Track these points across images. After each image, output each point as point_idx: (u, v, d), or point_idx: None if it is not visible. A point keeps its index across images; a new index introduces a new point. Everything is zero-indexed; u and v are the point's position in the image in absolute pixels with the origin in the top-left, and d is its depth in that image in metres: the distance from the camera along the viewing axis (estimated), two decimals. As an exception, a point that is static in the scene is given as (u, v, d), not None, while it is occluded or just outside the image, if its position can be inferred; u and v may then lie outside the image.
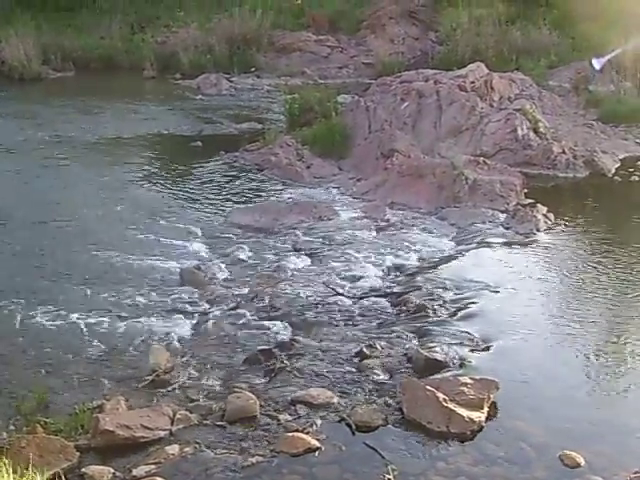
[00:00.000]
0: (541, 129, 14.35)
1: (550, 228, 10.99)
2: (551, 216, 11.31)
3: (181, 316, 8.31)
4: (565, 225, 11.20)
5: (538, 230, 10.82)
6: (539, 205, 11.63)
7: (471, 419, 6.23)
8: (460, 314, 8.28)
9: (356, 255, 9.95)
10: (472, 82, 15.23)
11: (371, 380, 6.98)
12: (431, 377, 6.90)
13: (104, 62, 24.89)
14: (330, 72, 24.49)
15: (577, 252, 10.43)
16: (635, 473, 5.52)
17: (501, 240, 10.51)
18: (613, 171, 13.84)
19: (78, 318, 8.18)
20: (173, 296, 8.82)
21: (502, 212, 11.47)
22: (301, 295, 8.79)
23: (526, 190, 12.35)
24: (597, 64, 18.65)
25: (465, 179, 12.01)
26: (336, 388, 6.85)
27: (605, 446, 6.05)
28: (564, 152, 13.88)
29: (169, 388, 6.90)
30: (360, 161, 13.83)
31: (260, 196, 12.67)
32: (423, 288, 8.87)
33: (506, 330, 7.96)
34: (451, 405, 6.29)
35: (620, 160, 14.49)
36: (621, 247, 10.36)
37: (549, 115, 15.80)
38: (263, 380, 7.01)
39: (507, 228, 10.95)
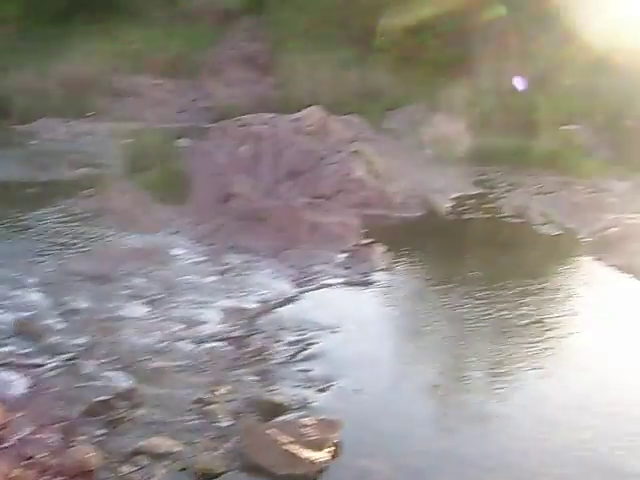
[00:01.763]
0: (377, 170, 14.72)
1: (387, 267, 11.24)
2: (388, 255, 11.58)
3: (16, 369, 8.01)
4: (402, 264, 11.49)
5: (376, 270, 11.06)
6: (377, 245, 11.89)
7: (315, 460, 6.24)
8: (302, 355, 8.34)
9: (197, 300, 9.88)
10: (309, 125, 15.49)
11: (214, 426, 6.91)
12: (274, 420, 6.89)
13: None
14: (169, 116, 24.41)
15: (413, 290, 10.73)
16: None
17: (340, 280, 10.68)
18: (447, 210, 14.33)
19: None
20: (7, 349, 8.48)
21: (341, 253, 11.67)
22: (141, 343, 8.64)
23: (364, 230, 12.61)
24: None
25: (304, 221, 12.15)
26: (178, 436, 6.73)
27: (445, 477, 6.19)
28: (399, 193, 14.27)
29: (4, 445, 6.62)
30: (200, 205, 13.79)
31: (98, 243, 12.41)
32: (264, 331, 8.90)
33: (348, 369, 8.05)
34: (294, 447, 6.29)
35: (453, 199, 15.01)
36: (454, 284, 10.71)
37: (384, 157, 16.20)
38: (103, 432, 6.83)
39: (346, 268, 11.13)
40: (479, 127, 18.70)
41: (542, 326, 9.29)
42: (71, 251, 11.98)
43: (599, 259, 11.89)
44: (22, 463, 6.31)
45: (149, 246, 12.13)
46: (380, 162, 15.18)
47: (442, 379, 8.05)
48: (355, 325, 9.19)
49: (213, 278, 10.74)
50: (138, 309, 9.63)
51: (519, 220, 13.94)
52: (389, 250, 11.73)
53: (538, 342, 8.83)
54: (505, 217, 14.14)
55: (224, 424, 6.95)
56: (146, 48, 27.87)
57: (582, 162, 16.89)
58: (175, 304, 9.80)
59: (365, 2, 25.73)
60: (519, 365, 8.30)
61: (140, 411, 7.17)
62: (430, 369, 8.21)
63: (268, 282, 10.60)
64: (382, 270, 11.09)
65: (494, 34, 21.21)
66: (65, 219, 13.66)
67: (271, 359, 8.21)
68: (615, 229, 12.66)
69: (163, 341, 8.71)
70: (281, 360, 8.21)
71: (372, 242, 12.06)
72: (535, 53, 20.30)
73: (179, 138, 18.35)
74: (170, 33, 28.05)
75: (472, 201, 14.89)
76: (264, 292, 10.24)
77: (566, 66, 19.40)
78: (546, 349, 8.71)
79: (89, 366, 8.07)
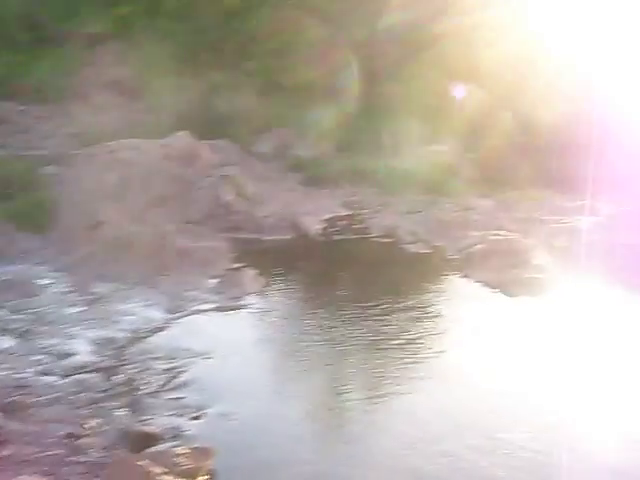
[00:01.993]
0: (246, 194, 14.75)
1: (259, 291, 11.28)
2: (259, 279, 11.60)
3: None
4: (273, 287, 11.54)
5: (248, 293, 11.08)
6: (248, 269, 11.90)
7: (188, 489, 6.21)
8: (173, 383, 8.29)
9: (64, 331, 9.68)
10: (178, 150, 15.40)
11: (85, 460, 6.80)
12: (146, 451, 6.82)
13: None
14: (35, 143, 23.79)
15: (286, 313, 10.79)
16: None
17: (212, 306, 10.66)
18: (317, 232, 14.44)
19: None
20: None
21: (212, 278, 11.63)
22: (7, 377, 8.40)
23: (235, 255, 12.60)
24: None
25: (174, 247, 12.06)
26: (49, 473, 6.59)
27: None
28: (269, 216, 14.33)
29: None
30: (66, 234, 13.46)
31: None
32: (135, 360, 8.80)
33: (221, 396, 8.07)
34: (168, 478, 6.23)
35: (323, 221, 15.13)
36: (326, 305, 10.83)
37: (254, 180, 16.23)
38: (-32, 472, 6.62)
39: (217, 293, 11.10)
40: (348, 149, 18.94)
41: (412, 344, 9.49)
42: None
43: (466, 276, 12.22)
44: None
45: (14, 277, 11.79)
46: (249, 186, 15.23)
47: (315, 402, 8.13)
48: (228, 350, 9.19)
49: (81, 308, 10.53)
50: (3, 342, 9.36)
51: (389, 239, 14.18)
52: (260, 274, 11.76)
53: (408, 361, 9.03)
54: (375, 237, 14.36)
55: (95, 458, 6.84)
56: (10, 73, 27.19)
57: (448, 181, 17.28)
58: (42, 336, 9.58)
59: (235, 26, 25.81)
60: (390, 384, 8.46)
61: (7, 448, 6.98)
62: (303, 392, 8.28)
63: (138, 310, 10.47)
64: (253, 294, 11.13)
65: (361, 56, 21.55)
66: None
67: (142, 389, 8.14)
68: (480, 246, 13.02)
69: (30, 375, 8.50)
70: (152, 389, 8.14)
71: (243, 266, 12.08)
72: (401, 75, 20.67)
73: (45, 165, 17.89)
74: (35, 57, 27.45)
75: (342, 222, 15.07)
76: (134, 321, 10.12)
77: (431, 87, 19.82)
78: (416, 367, 8.91)
79: (-49, 404, 7.82)
